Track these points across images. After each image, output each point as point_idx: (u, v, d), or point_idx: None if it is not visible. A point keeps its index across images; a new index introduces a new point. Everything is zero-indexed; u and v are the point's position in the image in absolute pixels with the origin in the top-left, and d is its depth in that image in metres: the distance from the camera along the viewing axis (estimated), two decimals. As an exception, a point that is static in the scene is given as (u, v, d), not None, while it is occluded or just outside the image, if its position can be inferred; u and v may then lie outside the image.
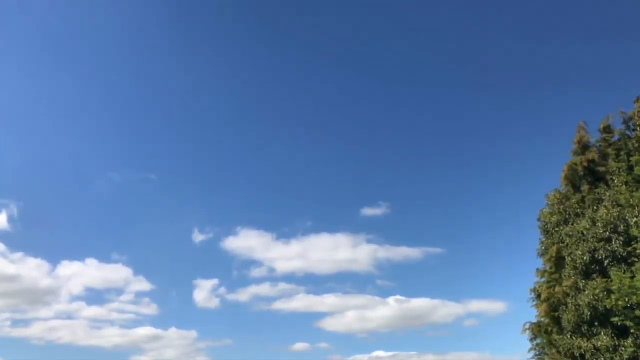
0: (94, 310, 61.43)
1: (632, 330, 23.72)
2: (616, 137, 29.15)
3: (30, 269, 62.20)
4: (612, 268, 24.47)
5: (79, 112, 78.55)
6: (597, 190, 27.73)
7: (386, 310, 62.13)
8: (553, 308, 27.08)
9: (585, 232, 26.36)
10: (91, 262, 63.85)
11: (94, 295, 63.68)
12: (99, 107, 78.86)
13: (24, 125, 75.27)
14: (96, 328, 60.92)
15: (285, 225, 72.02)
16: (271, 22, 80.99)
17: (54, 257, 67.40)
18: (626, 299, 22.50)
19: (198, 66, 79.22)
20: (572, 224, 27.57)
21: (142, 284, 62.81)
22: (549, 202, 29.60)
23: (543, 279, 29.03)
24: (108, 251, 68.32)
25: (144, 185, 73.61)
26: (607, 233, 25.59)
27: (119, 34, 77.75)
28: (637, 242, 22.96)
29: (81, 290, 62.06)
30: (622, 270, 23.59)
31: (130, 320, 61.51)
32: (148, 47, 79.10)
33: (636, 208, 24.41)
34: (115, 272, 63.43)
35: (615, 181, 26.21)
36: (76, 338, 60.33)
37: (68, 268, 63.25)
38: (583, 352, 25.06)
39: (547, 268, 28.57)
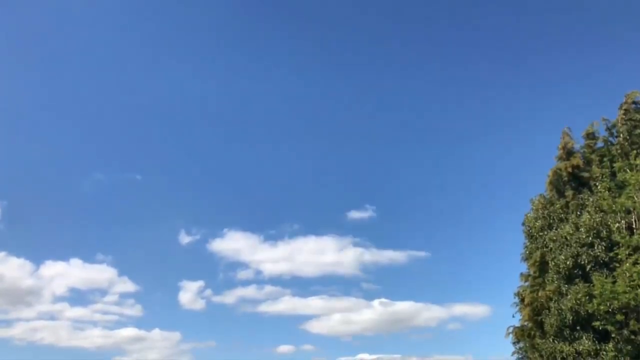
0: (77, 311, 60.71)
1: (613, 335, 24.06)
2: (600, 143, 29.59)
3: (14, 269, 61.27)
4: (594, 273, 24.80)
5: (65, 112, 77.83)
6: (580, 195, 28.07)
7: (371, 313, 62.17)
8: (536, 312, 27.31)
9: (568, 238, 26.68)
10: (75, 262, 63.00)
11: (78, 296, 62.92)
12: (85, 107, 78.16)
13: (9, 125, 74.33)
14: (79, 329, 60.23)
15: (272, 227, 71.73)
16: (262, 24, 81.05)
17: (37, 257, 66.44)
18: (608, 304, 22.78)
19: (185, 67, 78.97)
20: (556, 229, 27.85)
21: (127, 285, 62.17)
22: (534, 207, 29.86)
23: (527, 284, 29.24)
24: (93, 252, 67.35)
25: (130, 186, 72.88)
26: (590, 238, 25.96)
27: (106, 34, 77.35)
28: (619, 247, 23.25)
29: (65, 290, 61.31)
30: (604, 276, 23.91)
31: (113, 321, 60.90)
32: (135, 48, 78.68)
33: (619, 214, 24.76)
34: (100, 273, 62.71)
35: (599, 187, 26.54)
36: (59, 339, 59.63)
37: (52, 268, 62.37)
38: (565, 356, 25.33)
39: (531, 272, 28.81)
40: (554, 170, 29.57)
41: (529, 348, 27.85)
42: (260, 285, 63.27)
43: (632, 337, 23.75)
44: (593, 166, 28.46)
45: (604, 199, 24.90)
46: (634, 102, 28.66)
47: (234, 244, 64.97)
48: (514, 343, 29.53)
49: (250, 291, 62.78)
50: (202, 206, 75.29)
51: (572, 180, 29.14)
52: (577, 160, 29.10)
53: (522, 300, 28.74)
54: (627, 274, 22.18)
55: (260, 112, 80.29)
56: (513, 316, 29.83)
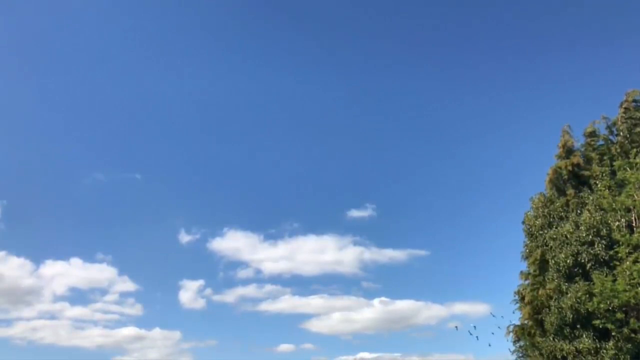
0: (77, 311, 60.59)
1: (613, 333, 24.08)
2: (600, 142, 29.62)
3: (14, 269, 61.18)
4: (594, 271, 24.80)
5: (64, 111, 77.62)
6: (581, 194, 28.08)
7: (371, 312, 62.13)
8: (536, 311, 27.32)
9: (568, 236, 26.69)
10: (75, 261, 62.92)
11: (78, 296, 62.81)
12: (85, 107, 78.08)
13: (9, 125, 74.25)
14: (79, 328, 60.19)
15: (272, 226, 71.64)
16: (264, 25, 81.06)
17: (37, 257, 66.23)
18: (608, 302, 22.79)
19: (185, 67, 78.87)
20: (556, 228, 27.85)
21: (127, 285, 62.11)
22: (534, 206, 29.85)
23: (527, 282, 29.25)
24: (93, 251, 67.24)
25: (130, 186, 72.68)
26: (590, 237, 25.98)
27: (105, 33, 77.25)
28: (619, 246, 23.24)
29: (65, 290, 61.23)
30: (604, 274, 23.90)
31: (114, 320, 60.84)
32: (134, 48, 78.55)
33: (619, 212, 24.76)
34: (100, 272, 62.63)
35: (599, 185, 26.54)
36: (59, 338, 59.57)
37: (52, 268, 62.27)
38: (565, 355, 25.33)
39: (531, 271, 28.80)
40: (554, 169, 29.57)
41: (529, 347, 27.85)
42: (260, 284, 63.34)
43: (632, 335, 23.75)
44: (593, 164, 28.48)
45: (604, 198, 24.90)
46: (634, 101, 28.73)
47: (234, 243, 65.04)
48: (514, 342, 29.56)
49: (250, 290, 62.86)
50: (202, 205, 75.24)
51: (572, 179, 29.14)
52: (577, 159, 29.10)
53: (522, 298, 28.73)
54: (627, 273, 22.19)
55: (260, 111, 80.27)
56: (514, 313, 30.05)
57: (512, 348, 29.63)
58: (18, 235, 69.40)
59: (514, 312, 29.96)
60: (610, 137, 29.20)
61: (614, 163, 25.77)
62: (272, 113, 79.90)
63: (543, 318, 26.80)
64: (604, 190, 25.57)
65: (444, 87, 78.75)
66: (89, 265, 63.16)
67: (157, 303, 65.19)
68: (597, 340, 24.65)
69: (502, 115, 73.45)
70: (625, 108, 28.51)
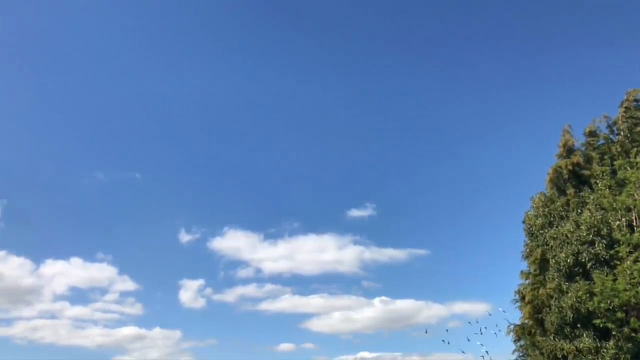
0: (77, 310, 60.55)
1: (613, 333, 24.07)
2: (601, 141, 29.62)
3: (14, 268, 61.11)
4: (595, 271, 24.80)
5: (64, 111, 77.56)
6: (581, 193, 28.07)
7: (371, 311, 62.15)
8: (537, 310, 27.34)
9: (569, 235, 26.68)
10: (76, 261, 62.92)
11: (78, 295, 62.83)
12: (85, 106, 78.02)
13: (9, 124, 74.26)
14: (80, 328, 60.18)
15: (272, 226, 71.63)
16: (260, 25, 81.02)
17: (37, 256, 66.04)
18: (608, 302, 22.79)
19: (185, 67, 78.84)
20: (556, 227, 27.84)
21: (127, 284, 62.11)
22: (534, 205, 29.85)
23: (527, 282, 29.26)
24: (93, 250, 67.24)
25: (130, 185, 72.61)
26: (591, 236, 25.97)
27: (105, 32, 77.22)
28: (619, 245, 23.25)
29: (65, 289, 61.18)
30: (605, 273, 23.91)
31: (114, 320, 60.85)
32: (134, 48, 78.45)
33: (619, 212, 24.76)
34: (100, 272, 62.58)
35: (599, 185, 26.52)
36: (59, 338, 59.56)
37: (52, 267, 62.21)
38: (565, 354, 25.32)
39: (532, 270, 28.82)
40: (555, 168, 29.56)
41: (530, 346, 27.87)
42: (260, 283, 63.34)
43: (633, 334, 23.73)
44: (594, 164, 28.45)
45: (605, 197, 24.91)
46: (635, 100, 28.72)
47: (234, 242, 65.02)
48: (514, 341, 29.60)
49: (250, 289, 62.87)
50: (202, 205, 75.19)
51: (573, 178, 29.12)
52: (577, 158, 29.08)
53: (523, 298, 28.74)
54: (628, 272, 22.21)
55: (259, 111, 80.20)
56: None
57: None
58: (18, 235, 69.35)
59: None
60: (611, 136, 29.21)
61: (615, 162, 25.79)
62: (272, 113, 79.87)
63: (543, 317, 26.80)
64: (605, 189, 25.56)
65: (444, 87, 78.72)
66: (89, 265, 63.19)
67: (157, 302, 65.22)
68: (597, 340, 24.65)
69: (502, 115, 73.39)
70: (625, 107, 28.51)
